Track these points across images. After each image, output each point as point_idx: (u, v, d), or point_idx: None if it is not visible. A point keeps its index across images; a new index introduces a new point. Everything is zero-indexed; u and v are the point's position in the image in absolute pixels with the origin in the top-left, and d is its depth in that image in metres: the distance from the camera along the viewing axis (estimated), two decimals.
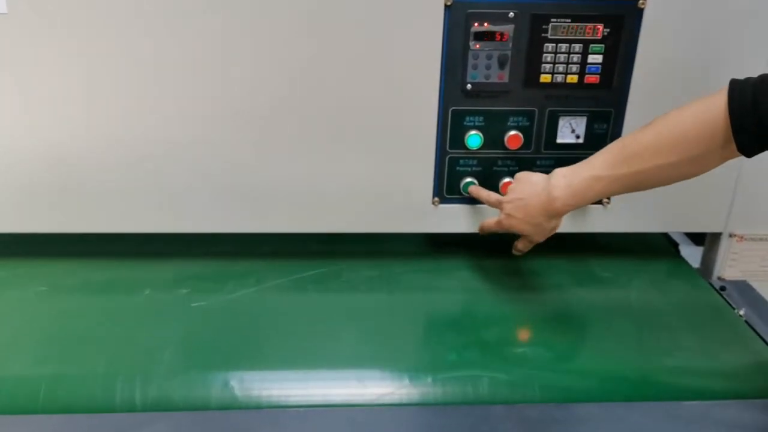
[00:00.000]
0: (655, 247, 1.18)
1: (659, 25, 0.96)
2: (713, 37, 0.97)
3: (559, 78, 0.98)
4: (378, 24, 0.93)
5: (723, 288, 1.06)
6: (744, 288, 1.07)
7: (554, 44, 0.96)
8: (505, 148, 1.02)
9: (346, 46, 0.94)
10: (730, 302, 1.01)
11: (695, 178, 1.03)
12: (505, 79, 0.98)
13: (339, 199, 1.03)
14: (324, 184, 1.02)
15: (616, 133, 1.02)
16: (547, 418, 0.78)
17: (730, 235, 1.10)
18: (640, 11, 0.95)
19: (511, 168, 1.04)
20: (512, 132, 1.01)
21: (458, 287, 1.06)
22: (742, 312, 0.98)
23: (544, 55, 0.97)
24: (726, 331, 0.94)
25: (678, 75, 0.98)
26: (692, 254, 1.21)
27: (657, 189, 1.03)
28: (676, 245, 1.19)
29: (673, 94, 0.99)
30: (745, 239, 1.10)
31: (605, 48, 0.97)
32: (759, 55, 0.98)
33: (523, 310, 1.00)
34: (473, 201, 1.05)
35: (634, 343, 0.92)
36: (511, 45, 0.96)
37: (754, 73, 0.77)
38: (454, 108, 0.99)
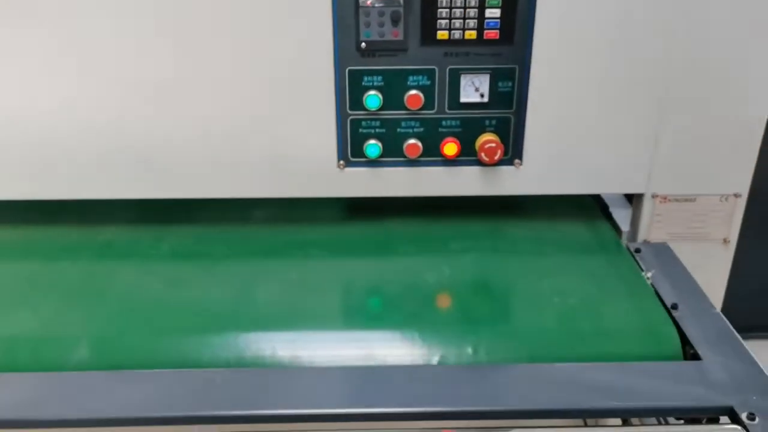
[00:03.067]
0: (582, 209, 1.14)
1: None
2: None
3: (457, 34, 0.95)
4: None
5: (638, 250, 1.02)
6: (661, 250, 1.03)
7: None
8: (407, 109, 0.99)
9: (235, 10, 0.93)
10: (641, 265, 0.98)
11: (613, 137, 1.00)
12: (400, 36, 0.95)
13: (242, 164, 1.02)
14: (227, 149, 1.01)
15: (522, 92, 0.98)
16: (416, 378, 0.77)
17: (653, 196, 1.06)
18: None
19: (415, 129, 1.01)
20: (412, 92, 0.98)
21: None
22: (649, 275, 0.95)
23: (439, 10, 0.93)
24: (623, 294, 0.90)
25: (582, 29, 0.94)
26: (627, 216, 1.17)
27: (574, 148, 1.00)
28: (606, 207, 1.15)
29: (578, 50, 0.95)
30: (669, 200, 1.06)
31: (502, 1, 0.93)
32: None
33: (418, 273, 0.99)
34: (379, 164, 1.03)
35: (520, 306, 0.90)
36: (403, 1, 0.93)
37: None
38: (350, 68, 0.97)
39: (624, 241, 1.10)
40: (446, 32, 0.95)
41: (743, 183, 1.05)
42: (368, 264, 1.04)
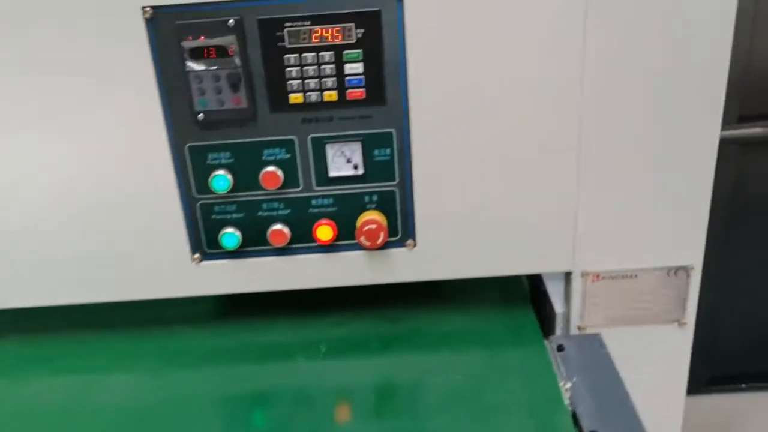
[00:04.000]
0: (506, 288, 0.94)
1: (427, 17, 0.74)
2: (489, 28, 0.74)
3: (314, 96, 0.77)
4: (79, 55, 0.74)
5: (560, 348, 0.82)
6: (591, 345, 0.82)
7: (297, 55, 0.75)
8: (265, 189, 0.81)
9: (56, 95, 0.76)
10: (561, 369, 0.78)
11: (524, 207, 0.81)
12: (243, 104, 0.77)
13: (72, 265, 0.84)
14: (77, 251, 0.84)
15: (404, 160, 0.80)
16: None
17: (582, 274, 0.86)
18: (399, 3, 0.73)
19: (280, 212, 0.83)
20: (268, 168, 0.80)
21: None
22: (568, 386, 0.75)
23: (287, 69, 0.76)
24: (526, 417, 0.71)
25: (459, 77, 0.76)
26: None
27: (477, 223, 0.81)
28: (537, 287, 0.96)
29: (469, 105, 0.77)
30: (604, 278, 0.86)
31: (364, 54, 0.75)
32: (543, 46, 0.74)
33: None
34: (242, 254, 0.85)
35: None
36: (239, 61, 0.75)
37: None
38: (190, 144, 0.79)
39: (559, 326, 0.90)
40: (300, 95, 0.77)
41: (694, 253, 0.85)
42: (239, 372, 0.86)
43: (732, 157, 1.38)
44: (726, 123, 1.25)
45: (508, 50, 0.75)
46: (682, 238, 0.84)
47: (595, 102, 0.77)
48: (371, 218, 0.82)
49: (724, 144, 1.31)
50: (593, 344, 0.82)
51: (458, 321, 0.89)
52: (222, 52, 0.75)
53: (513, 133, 0.78)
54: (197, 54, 0.75)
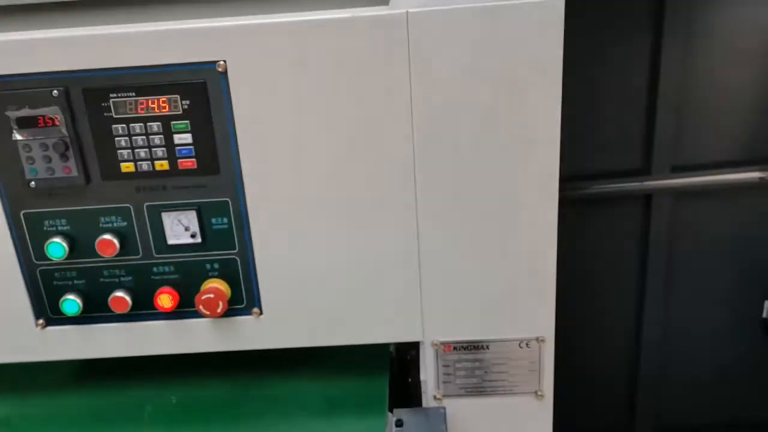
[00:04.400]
0: (371, 359, 0.92)
1: (252, 88, 0.73)
2: (315, 98, 0.73)
3: (146, 165, 0.76)
4: None
5: (399, 423, 0.80)
6: (431, 420, 0.80)
7: (124, 125, 0.75)
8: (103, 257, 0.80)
9: None
10: None
11: (366, 276, 0.80)
12: (74, 173, 0.77)
13: None
14: None
15: (243, 229, 0.79)
16: None
17: (432, 344, 0.84)
18: (223, 75, 0.73)
19: (122, 279, 0.82)
20: (105, 236, 0.79)
21: None
22: None
23: (117, 139, 0.75)
24: None
25: (291, 145, 0.75)
26: None
27: (322, 292, 0.80)
28: (406, 353, 0.94)
29: (294, 170, 0.76)
30: (455, 348, 0.84)
31: (192, 124, 0.75)
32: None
33: None
34: (87, 320, 0.83)
35: None
36: (66, 130, 0.75)
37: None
38: (25, 211, 0.79)
39: (423, 395, 0.88)
40: (131, 164, 0.76)
41: (545, 325, 0.83)
42: None
43: (665, 207, 1.35)
44: (658, 173, 1.24)
45: (335, 116, 0.74)
46: (531, 310, 0.82)
47: (426, 178, 0.76)
48: (211, 287, 0.80)
49: (658, 194, 1.30)
50: (435, 419, 0.80)
51: (312, 389, 0.88)
52: (48, 121, 0.74)
53: (349, 199, 0.77)
54: (23, 123, 0.74)
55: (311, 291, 0.82)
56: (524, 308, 0.82)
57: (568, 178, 1.44)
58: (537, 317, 0.82)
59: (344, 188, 0.77)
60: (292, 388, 0.88)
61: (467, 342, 0.84)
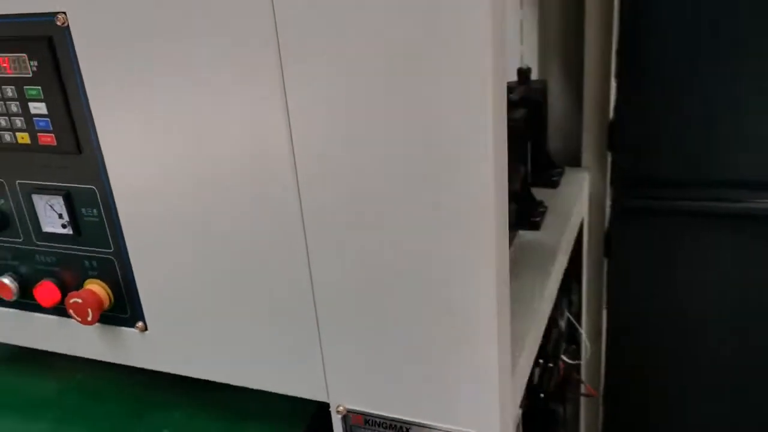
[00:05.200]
0: (292, 411, 0.72)
1: (98, 50, 0.56)
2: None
3: (8, 137, 0.63)
4: None
5: None
6: None
7: None
8: None
9: None
10: None
11: (262, 303, 0.61)
12: None
13: None
14: None
15: (115, 225, 0.63)
16: None
17: (339, 411, 0.62)
18: (66, 30, 0.56)
19: (8, 263, 0.71)
20: None
21: None
22: None
23: None
24: None
25: (146, 125, 0.57)
26: None
27: (220, 320, 0.63)
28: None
29: (163, 165, 0.58)
30: (369, 423, 0.61)
31: (44, 91, 0.60)
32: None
33: None
34: None
35: None
36: None
37: None
38: None
39: None
40: None
41: (487, 419, 0.57)
42: None
43: None
44: None
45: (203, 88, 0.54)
46: (467, 395, 0.56)
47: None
48: (85, 290, 0.66)
49: None
50: None
51: (209, 426, 0.71)
52: None
53: (235, 213, 0.58)
54: None
55: (197, 313, 0.64)
56: (455, 390, 0.57)
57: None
58: (475, 406, 0.56)
59: (232, 208, 0.57)
60: (188, 418, 0.71)
61: (381, 418, 0.61)
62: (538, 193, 1.12)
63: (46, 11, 0.56)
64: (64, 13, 0.56)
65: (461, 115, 0.47)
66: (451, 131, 0.47)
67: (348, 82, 0.48)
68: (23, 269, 0.70)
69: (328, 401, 0.62)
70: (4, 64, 0.60)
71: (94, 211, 0.64)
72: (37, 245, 0.68)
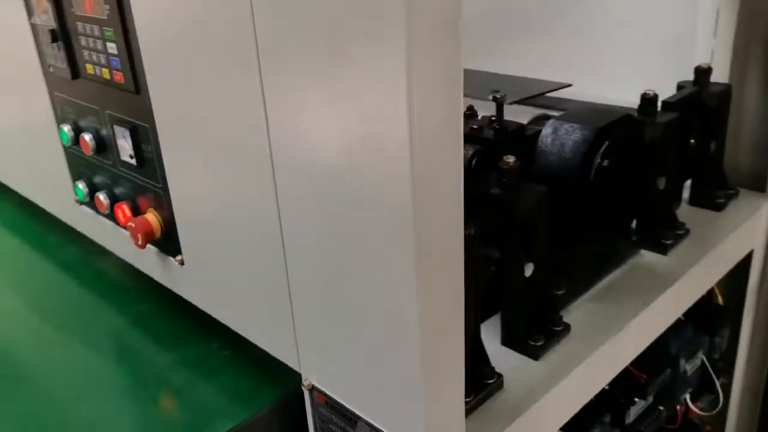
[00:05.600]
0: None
1: None
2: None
3: (98, 71, 0.72)
4: None
5: None
6: None
7: (81, 24, 0.71)
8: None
9: None
10: None
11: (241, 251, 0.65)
12: (64, 65, 0.77)
13: None
14: None
15: (160, 161, 0.69)
16: None
17: (305, 384, 0.62)
18: None
19: (105, 181, 0.81)
20: (84, 135, 0.78)
21: None
22: None
23: (79, 37, 0.72)
24: None
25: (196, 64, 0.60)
26: None
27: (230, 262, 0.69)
28: None
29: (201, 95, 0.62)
30: (330, 406, 0.60)
31: (115, 32, 0.66)
32: None
33: None
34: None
35: None
36: (53, 21, 0.74)
37: None
38: (54, 94, 0.83)
39: None
40: (90, 66, 0.73)
41: (413, 427, 0.52)
42: None
43: None
44: None
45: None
46: (397, 400, 0.52)
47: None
48: (142, 217, 0.74)
49: None
50: None
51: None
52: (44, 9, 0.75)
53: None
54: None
55: (212, 259, 0.68)
56: (392, 394, 0.53)
57: None
58: (405, 413, 0.53)
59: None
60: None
61: (337, 404, 0.59)
62: (697, 214, 0.97)
63: None
64: None
65: (381, 103, 0.43)
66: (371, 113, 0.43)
67: None
68: (112, 188, 0.80)
69: (300, 371, 0.62)
70: (86, 6, 0.68)
71: (149, 147, 0.70)
72: (119, 170, 0.77)
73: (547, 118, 0.85)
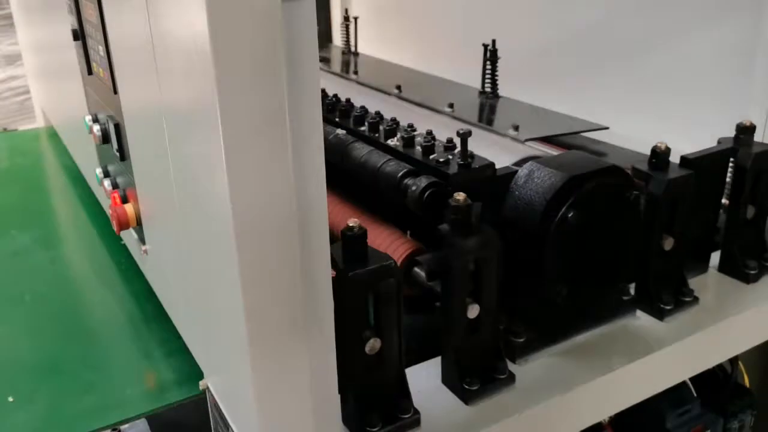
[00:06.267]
0: None
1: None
2: None
3: (98, 69, 0.79)
4: None
5: None
6: None
7: (88, 27, 0.78)
8: None
9: None
10: None
11: None
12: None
13: None
14: None
15: (129, 157, 0.74)
16: None
17: (201, 384, 0.64)
18: None
19: (109, 167, 0.88)
20: (95, 125, 0.86)
21: None
22: None
23: (88, 40, 0.80)
24: None
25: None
26: None
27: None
28: None
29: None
30: (217, 409, 0.62)
31: (103, 36, 0.73)
32: None
33: None
34: None
35: None
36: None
37: None
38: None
39: None
40: (95, 64, 0.80)
41: None
42: None
43: None
44: None
45: None
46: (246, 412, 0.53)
47: None
48: (120, 206, 0.80)
49: None
50: None
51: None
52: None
53: None
54: None
55: (165, 256, 0.72)
56: (239, 400, 0.54)
57: None
58: (249, 425, 0.53)
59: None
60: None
61: (219, 409, 0.61)
62: (723, 283, 0.88)
63: None
64: None
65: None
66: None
67: None
68: (113, 177, 0.87)
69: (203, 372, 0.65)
70: (90, 11, 0.75)
71: (124, 143, 0.76)
72: (116, 162, 0.84)
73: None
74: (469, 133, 0.72)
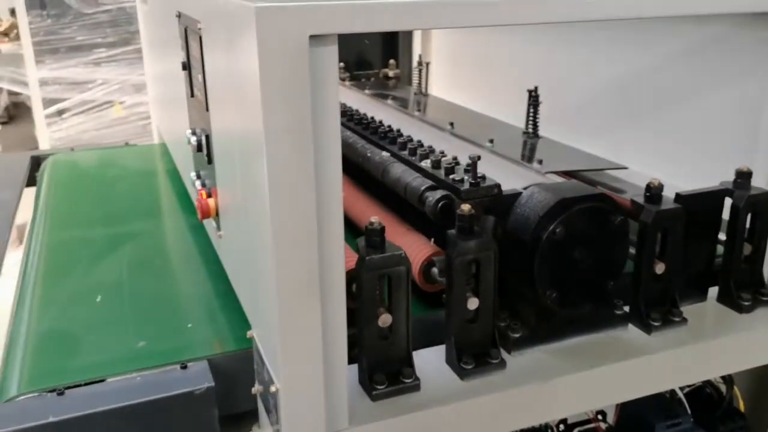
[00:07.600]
0: None
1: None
2: None
3: (198, 94, 1.01)
4: None
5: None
6: None
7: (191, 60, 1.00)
8: None
9: None
10: None
11: None
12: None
13: None
14: None
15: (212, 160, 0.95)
16: None
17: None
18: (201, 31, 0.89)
19: (199, 171, 1.10)
20: (192, 137, 1.08)
21: None
22: None
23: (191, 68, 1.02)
24: None
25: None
26: None
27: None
28: None
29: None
30: None
31: (198, 67, 0.94)
32: None
33: None
34: None
35: None
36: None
37: None
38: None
39: None
40: (196, 89, 1.02)
41: None
42: None
43: None
44: None
45: None
46: None
47: None
48: (205, 200, 1.00)
49: None
50: None
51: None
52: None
53: None
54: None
55: (236, 240, 0.92)
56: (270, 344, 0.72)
57: None
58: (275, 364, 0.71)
59: None
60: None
61: (258, 350, 0.79)
62: (717, 311, 0.97)
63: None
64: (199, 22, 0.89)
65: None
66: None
67: None
68: (204, 178, 1.08)
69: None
70: (195, 47, 0.97)
71: (212, 150, 0.97)
72: (205, 166, 1.05)
73: None
74: (478, 158, 0.88)
